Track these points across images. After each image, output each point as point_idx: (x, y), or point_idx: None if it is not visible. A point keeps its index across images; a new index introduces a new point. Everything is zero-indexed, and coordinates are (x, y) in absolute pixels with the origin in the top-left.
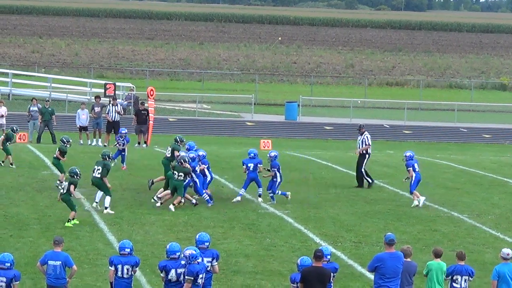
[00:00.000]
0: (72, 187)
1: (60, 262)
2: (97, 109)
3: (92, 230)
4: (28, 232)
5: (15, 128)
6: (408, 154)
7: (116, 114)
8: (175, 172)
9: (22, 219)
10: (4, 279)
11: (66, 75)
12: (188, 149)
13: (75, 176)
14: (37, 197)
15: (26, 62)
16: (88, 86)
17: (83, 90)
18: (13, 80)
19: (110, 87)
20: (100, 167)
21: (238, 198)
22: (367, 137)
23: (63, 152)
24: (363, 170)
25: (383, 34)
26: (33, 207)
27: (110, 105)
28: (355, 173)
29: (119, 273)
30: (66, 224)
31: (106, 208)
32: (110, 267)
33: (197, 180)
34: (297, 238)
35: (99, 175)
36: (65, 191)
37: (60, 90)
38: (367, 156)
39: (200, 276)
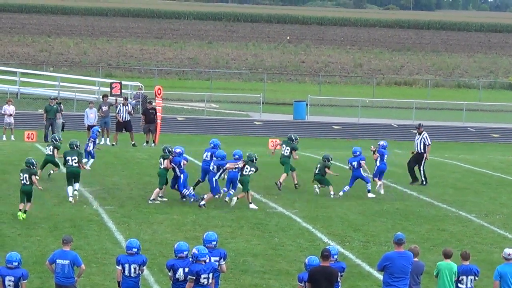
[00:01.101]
0: (34, 177)
1: (69, 261)
2: (104, 108)
3: (100, 229)
4: (36, 231)
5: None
6: (381, 143)
7: (127, 114)
8: (247, 167)
9: (30, 218)
10: (12, 278)
11: (74, 74)
12: (213, 147)
13: (32, 167)
14: (45, 196)
15: (35, 61)
16: (97, 85)
17: (91, 89)
18: (22, 79)
19: (116, 86)
20: (75, 157)
21: (341, 193)
22: (426, 136)
23: (58, 149)
24: (422, 168)
25: (392, 33)
26: (41, 206)
27: (121, 105)
28: (407, 170)
29: (126, 272)
30: (19, 214)
31: (75, 190)
32: (117, 266)
33: (181, 176)
34: (305, 238)
35: (76, 164)
36: (28, 183)
37: (69, 89)
38: (425, 155)
39: (203, 276)
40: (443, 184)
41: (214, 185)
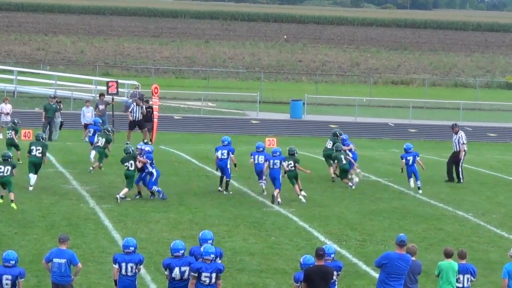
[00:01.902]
0: (14, 170)
1: (65, 260)
2: (101, 107)
3: (97, 227)
4: (33, 229)
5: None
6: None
7: (140, 113)
8: (285, 161)
9: (26, 217)
10: (10, 277)
11: (71, 72)
12: (228, 144)
13: (10, 159)
14: (42, 195)
15: (31, 59)
16: (93, 83)
17: (88, 87)
18: (18, 78)
19: (112, 85)
20: (40, 147)
21: (412, 184)
22: (461, 135)
23: (110, 142)
24: (461, 167)
25: (389, 32)
26: (38, 205)
27: (135, 104)
28: (446, 168)
29: (123, 271)
30: (13, 205)
31: (31, 186)
32: (114, 265)
33: (154, 173)
34: (302, 237)
35: (40, 155)
36: (8, 174)
37: (65, 87)
38: (463, 154)
39: (204, 274)
40: (440, 183)
41: (281, 180)
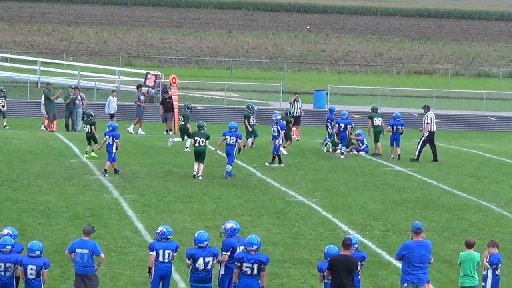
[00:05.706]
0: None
1: (88, 250)
2: (142, 97)
3: (120, 218)
4: (57, 220)
5: (190, 107)
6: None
7: (298, 109)
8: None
9: (50, 207)
10: (34, 267)
11: (94, 63)
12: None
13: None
14: (66, 185)
15: (55, 50)
16: (117, 74)
17: (111, 78)
18: (42, 68)
19: (151, 78)
20: (203, 138)
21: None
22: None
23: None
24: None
25: (412, 22)
26: (62, 195)
27: (293, 100)
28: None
29: (161, 258)
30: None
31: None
32: (151, 252)
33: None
34: (325, 227)
35: (203, 143)
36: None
37: (89, 78)
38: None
39: (246, 265)
40: (463, 173)
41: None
